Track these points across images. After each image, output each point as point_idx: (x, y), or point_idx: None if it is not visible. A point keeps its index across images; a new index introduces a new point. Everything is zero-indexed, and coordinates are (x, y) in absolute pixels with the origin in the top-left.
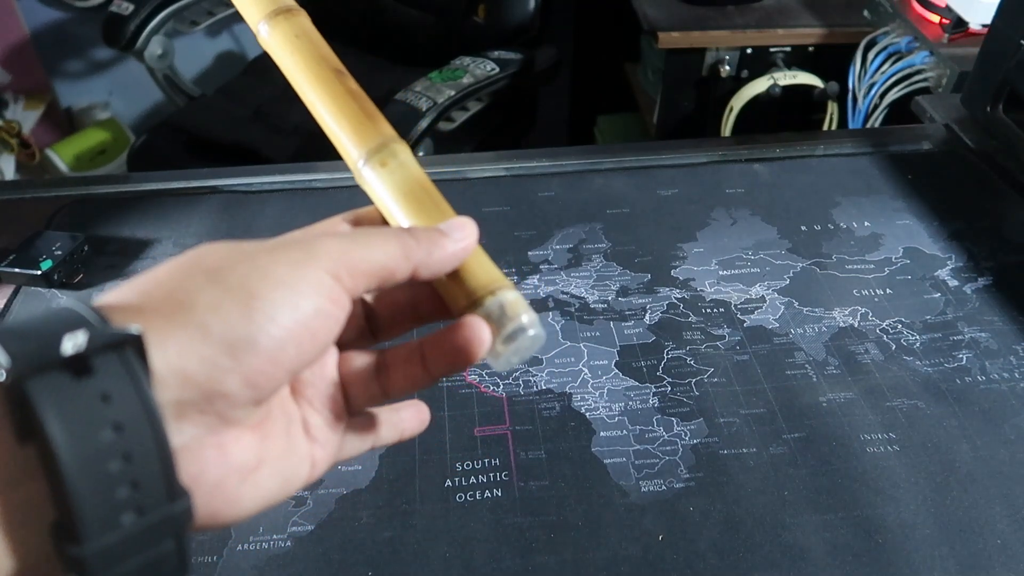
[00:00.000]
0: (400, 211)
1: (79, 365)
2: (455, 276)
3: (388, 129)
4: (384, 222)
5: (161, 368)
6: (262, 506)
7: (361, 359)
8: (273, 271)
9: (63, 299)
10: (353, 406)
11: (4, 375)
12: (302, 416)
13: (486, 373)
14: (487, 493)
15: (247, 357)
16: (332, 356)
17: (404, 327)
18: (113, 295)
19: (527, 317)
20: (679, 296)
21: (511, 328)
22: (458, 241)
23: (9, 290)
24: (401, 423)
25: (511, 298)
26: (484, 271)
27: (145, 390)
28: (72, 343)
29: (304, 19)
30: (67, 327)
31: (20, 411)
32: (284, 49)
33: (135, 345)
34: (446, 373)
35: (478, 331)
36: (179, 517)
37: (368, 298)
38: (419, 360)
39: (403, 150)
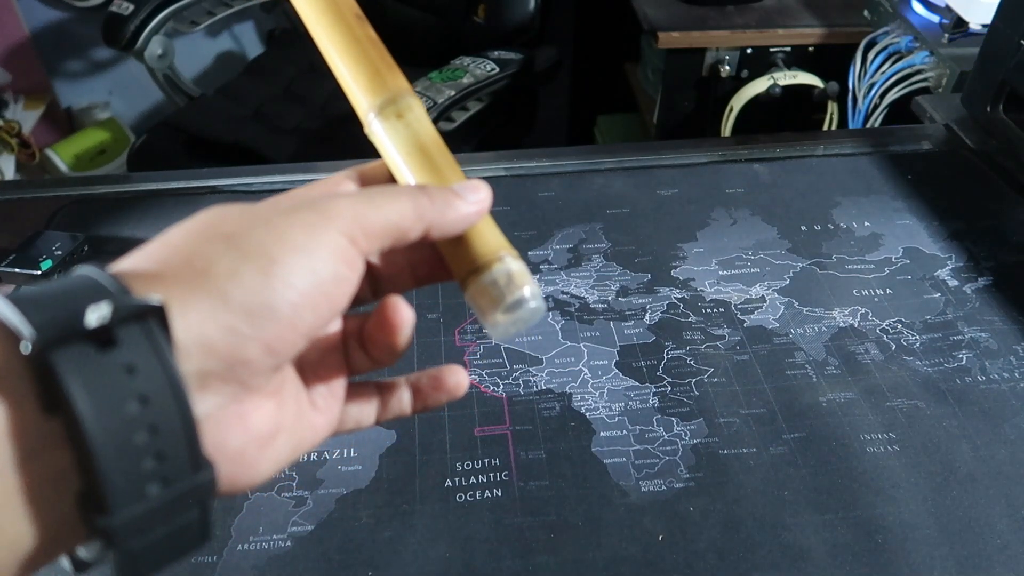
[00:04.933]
0: (410, 168)
1: (103, 337)
2: (462, 239)
3: (405, 82)
4: (391, 178)
5: (183, 338)
6: (275, 471)
7: (356, 323)
8: (290, 235)
9: (81, 266)
10: (354, 368)
11: (29, 347)
12: (306, 383)
13: (486, 373)
14: (487, 493)
15: (267, 324)
16: (336, 321)
17: (402, 288)
18: (130, 261)
19: (530, 289)
20: (679, 296)
21: (515, 298)
22: (472, 204)
23: (9, 290)
24: (404, 401)
25: (516, 268)
26: (491, 237)
27: (169, 362)
28: (96, 315)
29: None
30: (89, 297)
31: (45, 383)
32: None
33: (157, 316)
34: (382, 359)
35: (398, 312)
36: (203, 487)
37: (373, 258)
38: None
39: (419, 105)
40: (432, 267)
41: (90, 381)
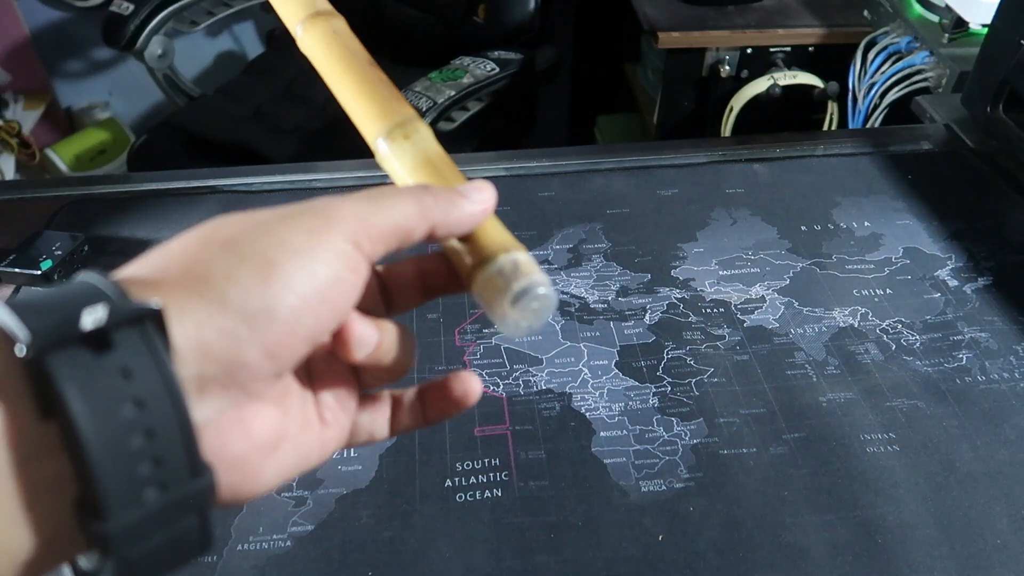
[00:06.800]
0: (416, 179)
1: (99, 340)
2: (468, 239)
3: (412, 110)
4: None
5: (181, 342)
6: (280, 482)
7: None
8: (290, 239)
9: (82, 272)
10: (364, 382)
11: (24, 350)
12: (314, 395)
13: (486, 373)
14: (487, 493)
15: (266, 327)
16: None
17: (415, 301)
18: (130, 269)
19: (538, 276)
20: (679, 296)
21: (522, 285)
22: (477, 203)
23: (9, 290)
24: (413, 414)
25: (524, 258)
26: (497, 234)
27: (166, 365)
28: (92, 317)
29: (339, 22)
30: (86, 301)
31: (41, 387)
32: (319, 45)
33: (155, 319)
34: (390, 377)
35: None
36: (202, 493)
37: (378, 269)
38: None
39: (426, 128)
40: (443, 279)
41: (85, 385)
